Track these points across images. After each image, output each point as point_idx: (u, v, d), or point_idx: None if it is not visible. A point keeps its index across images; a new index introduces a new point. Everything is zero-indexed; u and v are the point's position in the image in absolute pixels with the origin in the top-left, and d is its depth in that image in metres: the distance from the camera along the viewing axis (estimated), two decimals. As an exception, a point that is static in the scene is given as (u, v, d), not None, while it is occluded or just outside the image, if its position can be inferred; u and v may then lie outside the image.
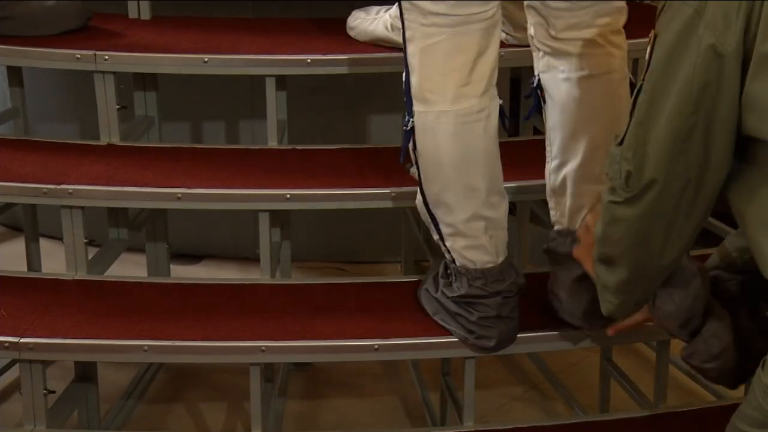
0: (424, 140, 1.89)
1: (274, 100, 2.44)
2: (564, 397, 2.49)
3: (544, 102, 2.00)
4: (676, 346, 2.22)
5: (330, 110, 3.04)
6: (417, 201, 1.99)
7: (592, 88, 1.94)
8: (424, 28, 1.83)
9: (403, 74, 1.90)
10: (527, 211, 2.59)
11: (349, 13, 2.55)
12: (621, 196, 1.56)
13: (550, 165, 2.00)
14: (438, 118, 1.86)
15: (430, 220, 1.96)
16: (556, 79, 1.95)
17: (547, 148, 2.01)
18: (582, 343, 2.07)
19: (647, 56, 1.55)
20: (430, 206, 1.94)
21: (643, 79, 1.54)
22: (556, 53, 1.94)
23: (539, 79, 1.99)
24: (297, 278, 2.72)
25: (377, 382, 2.66)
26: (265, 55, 2.43)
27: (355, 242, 3.17)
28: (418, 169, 1.93)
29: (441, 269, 2.02)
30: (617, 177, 1.56)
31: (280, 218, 2.48)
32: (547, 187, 2.03)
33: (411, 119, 1.89)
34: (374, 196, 2.24)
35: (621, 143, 1.57)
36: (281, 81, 2.47)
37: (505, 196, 1.95)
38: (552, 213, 2.04)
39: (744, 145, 1.51)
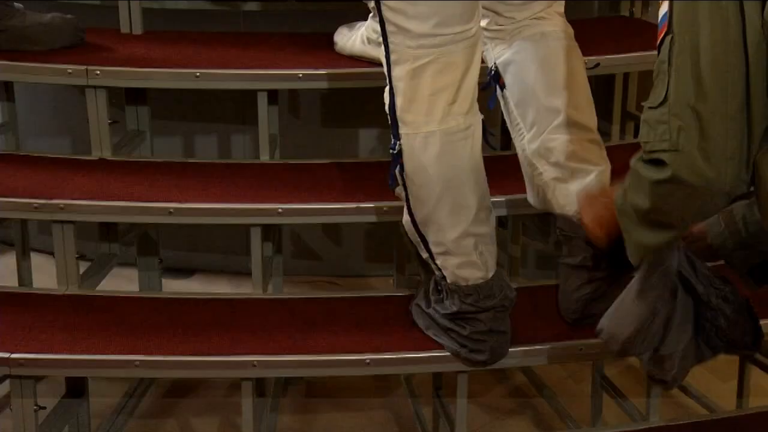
0: (412, 162, 1.88)
1: (265, 114, 2.44)
2: (556, 410, 2.49)
3: (504, 87, 2.03)
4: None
5: (321, 124, 3.05)
6: (404, 221, 1.99)
7: (549, 45, 2.01)
8: (411, 50, 1.83)
9: (386, 97, 1.90)
10: (519, 225, 2.59)
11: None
12: (672, 154, 1.51)
13: (527, 136, 2.02)
14: (426, 139, 1.87)
15: (419, 239, 1.96)
16: (516, 57, 1.99)
17: (518, 126, 2.03)
18: (575, 357, 2.07)
19: (667, 10, 1.52)
20: (419, 226, 1.94)
21: (665, 36, 1.51)
22: (511, 37, 2.00)
23: (496, 68, 2.03)
24: (289, 292, 2.71)
25: (369, 397, 2.65)
26: (256, 69, 2.43)
27: (346, 256, 3.17)
28: (405, 190, 1.93)
29: (431, 285, 2.02)
30: (665, 137, 1.51)
31: (272, 232, 2.48)
32: (525, 162, 2.05)
33: (398, 142, 1.88)
34: (366, 210, 2.24)
35: (661, 104, 1.52)
36: (273, 95, 2.47)
37: (491, 210, 1.96)
38: (531, 194, 2.07)
39: None
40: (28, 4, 2.60)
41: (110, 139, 2.45)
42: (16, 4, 2.56)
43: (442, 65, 1.84)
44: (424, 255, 1.98)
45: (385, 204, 2.22)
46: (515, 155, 2.10)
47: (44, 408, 2.08)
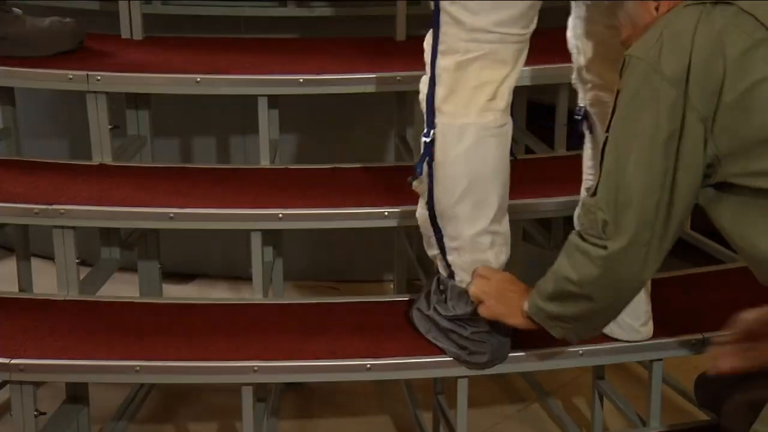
0: (444, 152, 1.89)
1: (266, 119, 2.44)
2: (557, 416, 2.49)
3: (591, 131, 2.02)
4: (669, 365, 2.22)
5: (322, 129, 3.05)
6: (419, 214, 1.98)
7: None
8: (462, 43, 1.85)
9: (424, 87, 1.91)
10: (519, 231, 2.59)
11: (339, 32, 2.56)
12: (598, 243, 1.68)
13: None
14: (461, 130, 1.88)
15: (432, 233, 1.96)
16: (605, 111, 1.93)
17: (590, 171, 2.02)
18: (575, 362, 2.07)
19: (611, 110, 1.69)
20: (437, 219, 1.94)
21: (607, 132, 1.68)
22: (605, 87, 1.95)
23: (585, 111, 2.00)
24: (289, 297, 2.71)
25: (370, 402, 2.65)
26: (257, 74, 2.43)
27: (347, 261, 3.17)
28: (430, 181, 1.92)
29: (434, 286, 2.02)
30: (594, 226, 1.68)
31: (272, 237, 2.48)
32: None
33: (432, 131, 1.89)
34: (367, 215, 2.24)
35: (594, 194, 1.69)
36: (273, 100, 2.47)
37: (507, 213, 1.97)
38: None
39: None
40: (27, 10, 2.61)
41: (111, 144, 2.45)
42: (15, 9, 2.56)
43: (489, 61, 1.86)
44: (434, 252, 1.98)
45: (385, 209, 2.22)
46: (515, 160, 2.09)
47: (44, 414, 2.08)
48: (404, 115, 2.64)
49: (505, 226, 1.97)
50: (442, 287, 1.99)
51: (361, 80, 2.44)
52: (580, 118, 2.02)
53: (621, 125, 1.65)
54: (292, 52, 2.61)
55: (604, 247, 1.67)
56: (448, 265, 1.96)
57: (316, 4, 2.81)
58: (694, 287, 2.30)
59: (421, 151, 1.92)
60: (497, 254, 1.95)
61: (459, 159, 1.88)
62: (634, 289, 1.77)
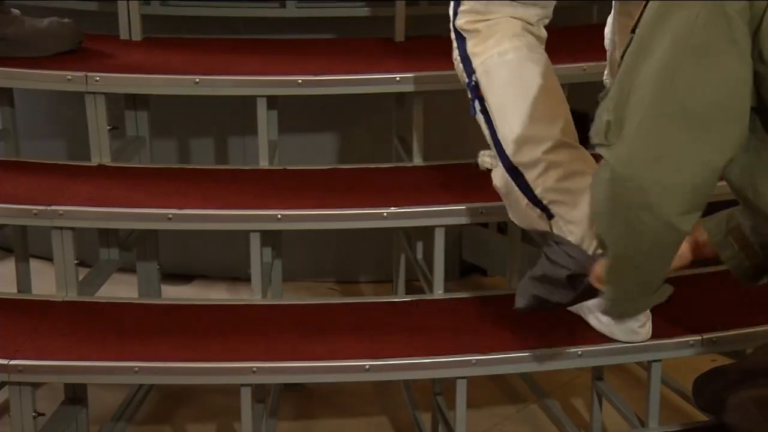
0: (491, 86, 1.92)
1: (265, 120, 2.44)
2: (556, 417, 2.49)
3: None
4: (667, 365, 2.22)
5: (321, 130, 3.05)
6: (497, 181, 1.98)
7: None
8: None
9: (455, 52, 1.98)
10: (518, 231, 2.58)
11: (338, 33, 2.56)
12: (604, 147, 1.48)
13: None
14: (500, 56, 1.92)
15: (515, 185, 1.93)
16: None
17: None
18: (574, 363, 2.07)
19: (639, 13, 1.50)
20: (512, 160, 1.91)
21: (633, 33, 1.48)
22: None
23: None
24: (288, 298, 2.71)
25: (369, 402, 2.65)
26: (255, 75, 2.44)
27: (346, 262, 3.17)
28: (490, 127, 1.93)
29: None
30: (600, 130, 1.48)
31: (271, 238, 2.48)
32: None
33: (473, 75, 1.94)
34: (366, 216, 2.24)
35: (604, 97, 1.51)
36: (272, 101, 2.47)
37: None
38: None
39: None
40: (26, 11, 2.60)
41: (110, 145, 2.45)
42: (13, 10, 2.56)
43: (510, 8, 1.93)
44: (523, 210, 1.94)
45: (384, 210, 2.22)
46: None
47: (43, 414, 2.08)
48: (403, 116, 2.64)
49: (571, 135, 1.93)
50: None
51: (360, 81, 2.44)
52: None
53: (649, 25, 1.45)
54: (291, 53, 2.61)
55: (608, 156, 1.47)
56: (543, 207, 1.91)
57: (315, 5, 2.81)
58: (693, 288, 2.29)
59: (470, 98, 1.95)
60: (582, 157, 1.91)
61: (509, 81, 1.91)
62: (655, 233, 1.48)
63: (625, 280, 1.60)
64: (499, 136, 1.94)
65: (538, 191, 1.92)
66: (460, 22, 1.97)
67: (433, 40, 2.40)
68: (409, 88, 2.45)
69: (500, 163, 1.95)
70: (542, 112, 1.89)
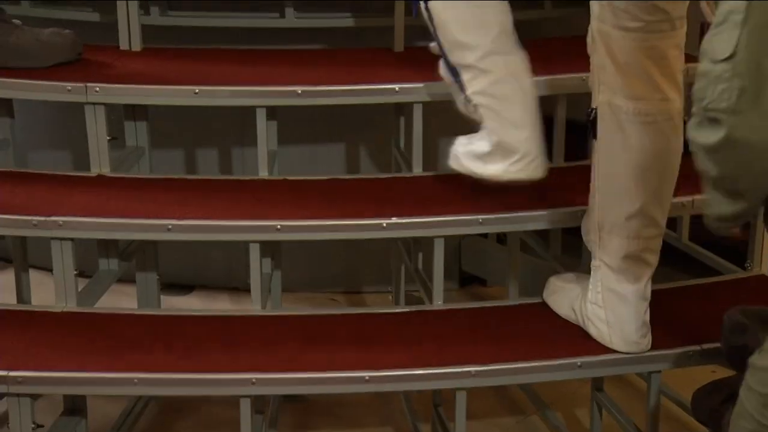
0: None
1: (264, 130, 2.44)
2: (556, 428, 2.48)
3: (595, 137, 2.00)
4: (667, 376, 2.22)
5: (320, 140, 3.05)
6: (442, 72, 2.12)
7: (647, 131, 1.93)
8: None
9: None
10: (517, 241, 2.59)
11: (338, 43, 2.56)
12: (729, 115, 1.39)
13: None
14: None
15: (451, 76, 2.07)
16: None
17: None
18: (574, 374, 2.06)
19: None
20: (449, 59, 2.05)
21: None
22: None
23: (596, 113, 1.98)
24: (288, 309, 2.71)
25: (368, 413, 2.65)
26: (255, 86, 2.44)
27: (346, 272, 3.17)
28: (431, 24, 2.03)
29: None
30: (724, 96, 1.40)
31: (271, 249, 2.48)
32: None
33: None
34: (365, 227, 2.24)
35: (726, 59, 1.39)
36: (272, 112, 2.47)
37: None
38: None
39: None
40: (26, 21, 2.61)
41: (109, 155, 2.45)
42: (14, 20, 2.56)
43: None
44: (461, 96, 2.07)
45: (384, 221, 2.22)
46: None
47: (42, 426, 2.07)
48: (402, 127, 2.64)
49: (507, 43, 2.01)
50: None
51: (359, 91, 2.44)
52: (590, 119, 2.00)
53: None
54: (290, 64, 2.61)
55: (740, 116, 1.38)
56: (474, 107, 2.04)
57: (315, 15, 2.82)
58: (693, 299, 2.30)
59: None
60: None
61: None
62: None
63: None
64: (438, 34, 2.03)
65: (468, 92, 2.04)
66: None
67: (432, 50, 2.40)
68: (408, 98, 2.45)
69: (442, 58, 2.07)
70: (477, 19, 1.97)
